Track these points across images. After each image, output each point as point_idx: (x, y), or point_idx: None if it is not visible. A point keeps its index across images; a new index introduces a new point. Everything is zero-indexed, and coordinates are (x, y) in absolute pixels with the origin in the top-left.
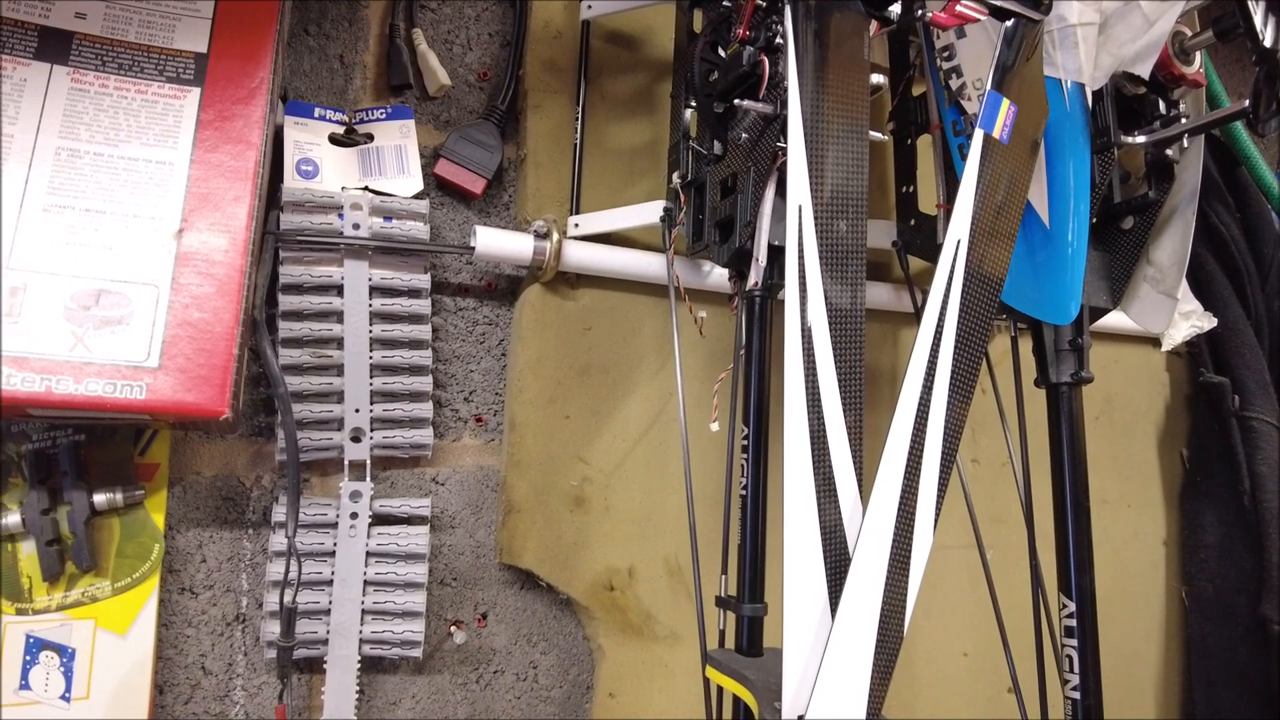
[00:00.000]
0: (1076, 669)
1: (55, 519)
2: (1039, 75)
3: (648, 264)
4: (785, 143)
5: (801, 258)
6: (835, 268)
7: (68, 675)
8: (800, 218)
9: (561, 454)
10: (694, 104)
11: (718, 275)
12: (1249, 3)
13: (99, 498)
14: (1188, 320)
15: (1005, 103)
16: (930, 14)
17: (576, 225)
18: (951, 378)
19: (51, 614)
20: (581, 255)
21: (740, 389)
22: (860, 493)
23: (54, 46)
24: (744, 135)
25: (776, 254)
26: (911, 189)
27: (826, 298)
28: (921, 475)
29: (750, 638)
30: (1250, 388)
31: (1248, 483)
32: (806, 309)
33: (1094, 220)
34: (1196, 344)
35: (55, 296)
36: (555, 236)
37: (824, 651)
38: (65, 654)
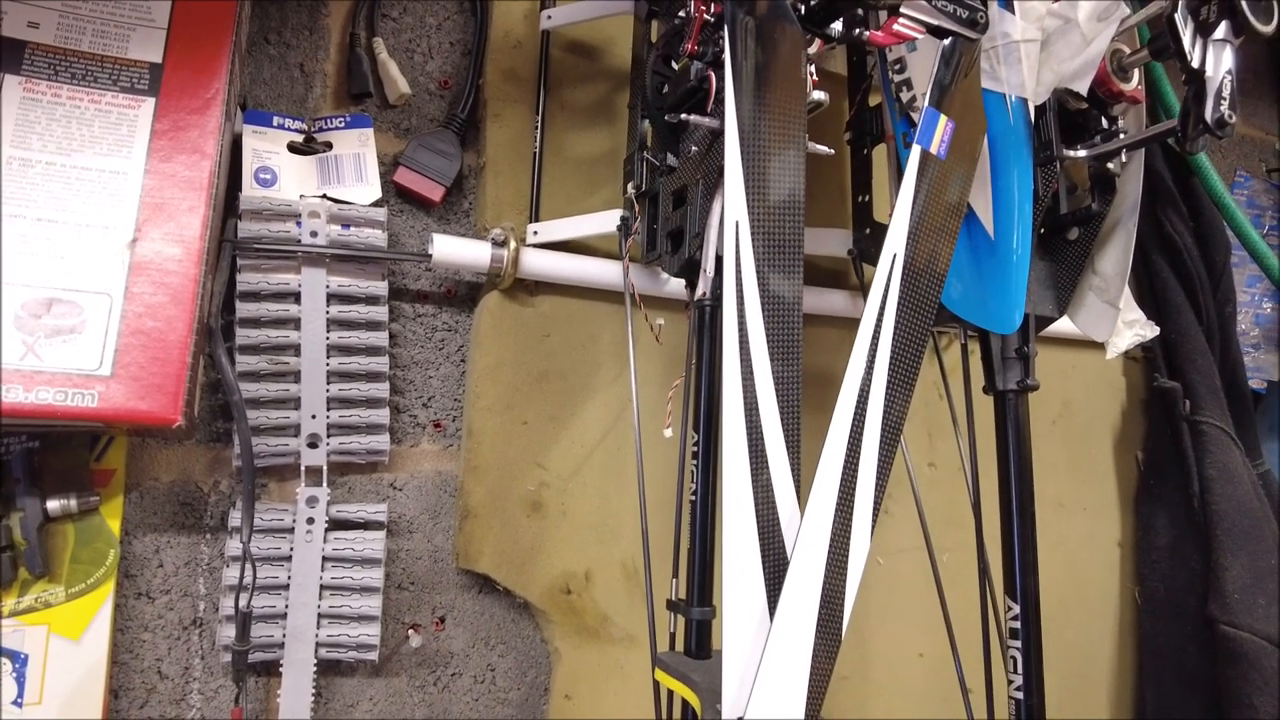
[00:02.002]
0: (1020, 670)
1: (8, 525)
2: (977, 92)
3: (605, 271)
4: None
5: (739, 272)
6: (772, 281)
7: (20, 681)
8: (738, 233)
9: (519, 459)
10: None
11: (675, 283)
12: (1179, 25)
13: (53, 504)
14: (1131, 329)
15: (943, 119)
16: (868, 33)
17: (535, 233)
18: (888, 387)
19: (3, 620)
20: (540, 263)
21: (691, 396)
22: (798, 497)
23: (6, 55)
24: (694, 148)
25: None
26: (867, 198)
27: (763, 310)
28: (859, 478)
29: (699, 640)
30: (1201, 393)
31: (1197, 485)
32: (745, 320)
33: (1041, 231)
34: (1151, 349)
35: (6, 305)
36: (513, 244)
37: (762, 653)
38: (17, 660)
